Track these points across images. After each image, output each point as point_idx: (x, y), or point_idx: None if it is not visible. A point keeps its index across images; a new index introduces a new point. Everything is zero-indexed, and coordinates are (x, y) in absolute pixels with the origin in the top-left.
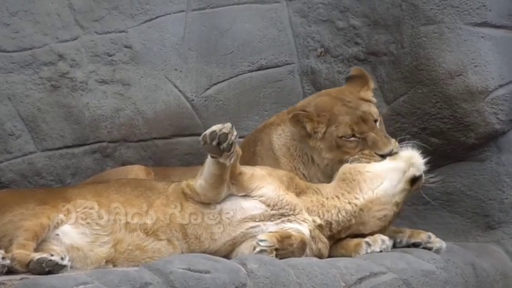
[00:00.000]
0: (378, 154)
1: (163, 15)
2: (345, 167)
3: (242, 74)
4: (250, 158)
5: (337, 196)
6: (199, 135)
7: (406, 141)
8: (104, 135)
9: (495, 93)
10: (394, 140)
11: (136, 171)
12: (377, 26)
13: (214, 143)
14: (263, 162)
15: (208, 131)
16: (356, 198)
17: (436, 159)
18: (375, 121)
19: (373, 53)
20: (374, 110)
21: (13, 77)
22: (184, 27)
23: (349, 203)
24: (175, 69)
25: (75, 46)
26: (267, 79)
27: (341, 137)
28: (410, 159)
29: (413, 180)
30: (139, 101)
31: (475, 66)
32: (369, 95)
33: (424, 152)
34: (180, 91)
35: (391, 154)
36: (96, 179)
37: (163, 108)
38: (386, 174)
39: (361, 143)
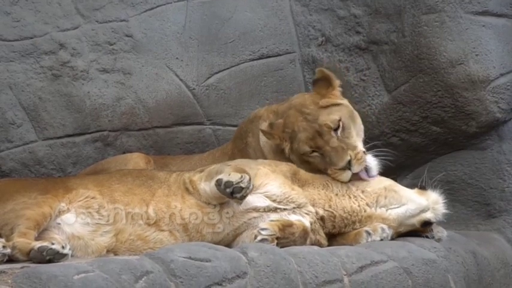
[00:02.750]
0: (337, 169)
1: (164, 4)
2: (374, 179)
3: (243, 63)
4: (243, 149)
5: (349, 196)
6: (200, 124)
7: (376, 149)
8: (105, 124)
9: (496, 82)
10: (353, 151)
11: (136, 159)
12: (378, 15)
13: (228, 190)
14: (255, 154)
15: (224, 178)
16: (368, 206)
17: (437, 147)
18: (335, 130)
19: (374, 42)
20: (332, 118)
21: (14, 66)
22: (185, 16)
23: (359, 205)
24: (176, 58)
25: (76, 35)
26: (268, 68)
27: (303, 154)
28: (435, 203)
29: (425, 223)
30: (140, 89)
31: (476, 55)
32: (332, 98)
33: (391, 158)
34: (181, 80)
35: (350, 164)
36: (96, 167)
37: (164, 97)
38: (406, 202)
39: (323, 158)
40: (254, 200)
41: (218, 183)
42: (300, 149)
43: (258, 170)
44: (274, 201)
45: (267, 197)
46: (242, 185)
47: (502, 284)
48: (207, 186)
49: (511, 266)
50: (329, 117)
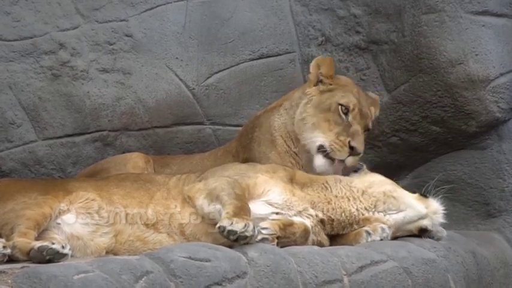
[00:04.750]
0: (349, 145)
1: (164, 4)
2: (377, 180)
3: (243, 62)
4: (247, 145)
5: (348, 198)
6: (200, 124)
7: None
8: (104, 123)
9: (496, 81)
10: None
11: (135, 158)
12: (378, 15)
13: (231, 238)
14: (259, 147)
15: (228, 227)
16: (366, 210)
17: (437, 147)
18: (367, 129)
19: (374, 42)
20: (371, 121)
21: (14, 65)
22: (185, 16)
23: (357, 209)
24: (176, 58)
25: (76, 35)
26: (268, 68)
27: (339, 105)
28: (435, 212)
29: (422, 229)
30: (140, 89)
31: (476, 54)
32: (375, 113)
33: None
34: (180, 80)
35: (357, 154)
36: (95, 167)
37: (164, 96)
38: (405, 208)
39: (345, 127)
40: (256, 208)
41: (221, 230)
42: (343, 99)
43: (256, 179)
44: (276, 208)
45: (269, 204)
46: (247, 233)
47: (502, 284)
48: (205, 206)
49: (511, 265)
50: (372, 118)
